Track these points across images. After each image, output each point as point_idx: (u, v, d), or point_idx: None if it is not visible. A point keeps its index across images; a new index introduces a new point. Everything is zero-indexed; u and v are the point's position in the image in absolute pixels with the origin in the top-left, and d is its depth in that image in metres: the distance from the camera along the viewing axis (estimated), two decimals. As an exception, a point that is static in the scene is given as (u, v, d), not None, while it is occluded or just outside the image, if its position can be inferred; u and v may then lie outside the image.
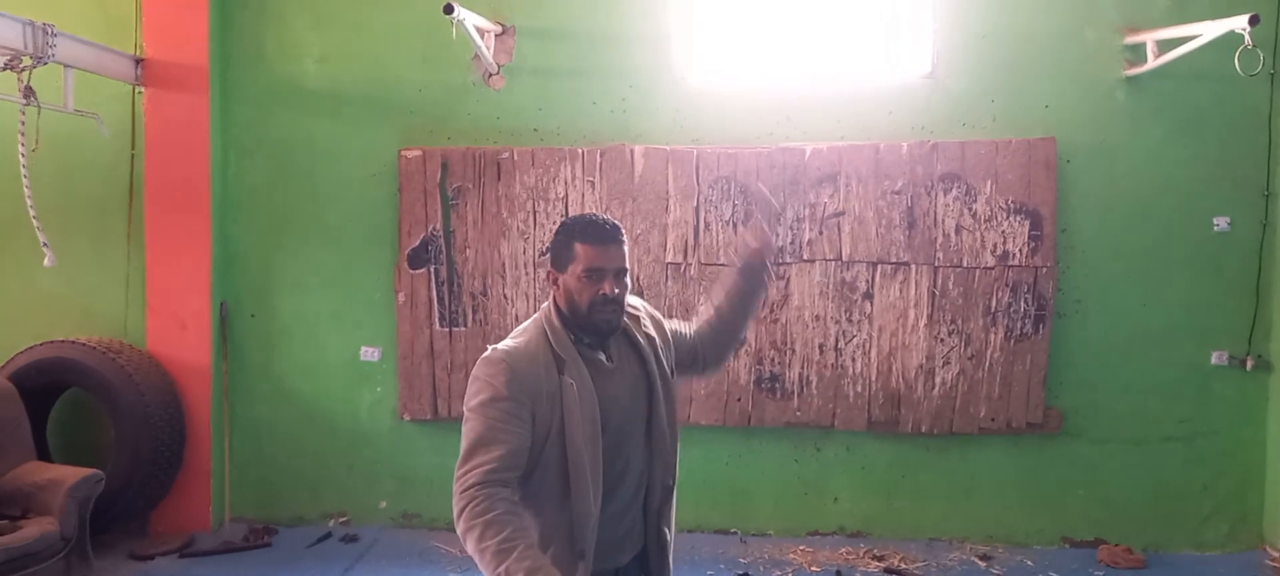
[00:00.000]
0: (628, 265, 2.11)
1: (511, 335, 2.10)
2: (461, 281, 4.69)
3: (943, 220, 4.48)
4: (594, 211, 2.19)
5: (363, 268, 4.82)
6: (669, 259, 4.61)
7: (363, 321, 4.85)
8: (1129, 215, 4.49)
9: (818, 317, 4.57)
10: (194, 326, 4.76)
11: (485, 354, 2.03)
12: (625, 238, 2.11)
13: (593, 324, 2.06)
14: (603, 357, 2.10)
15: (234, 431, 4.91)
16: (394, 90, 4.75)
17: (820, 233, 4.53)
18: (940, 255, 4.49)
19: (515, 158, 4.63)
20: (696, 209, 4.58)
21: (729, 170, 4.56)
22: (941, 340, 4.53)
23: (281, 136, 4.83)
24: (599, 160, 4.61)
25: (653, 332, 2.24)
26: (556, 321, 2.07)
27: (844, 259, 4.53)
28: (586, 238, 2.06)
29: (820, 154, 4.52)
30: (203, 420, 4.78)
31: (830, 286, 4.55)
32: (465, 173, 4.65)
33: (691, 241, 4.59)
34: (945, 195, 4.48)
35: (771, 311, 4.58)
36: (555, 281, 2.11)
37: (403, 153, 4.67)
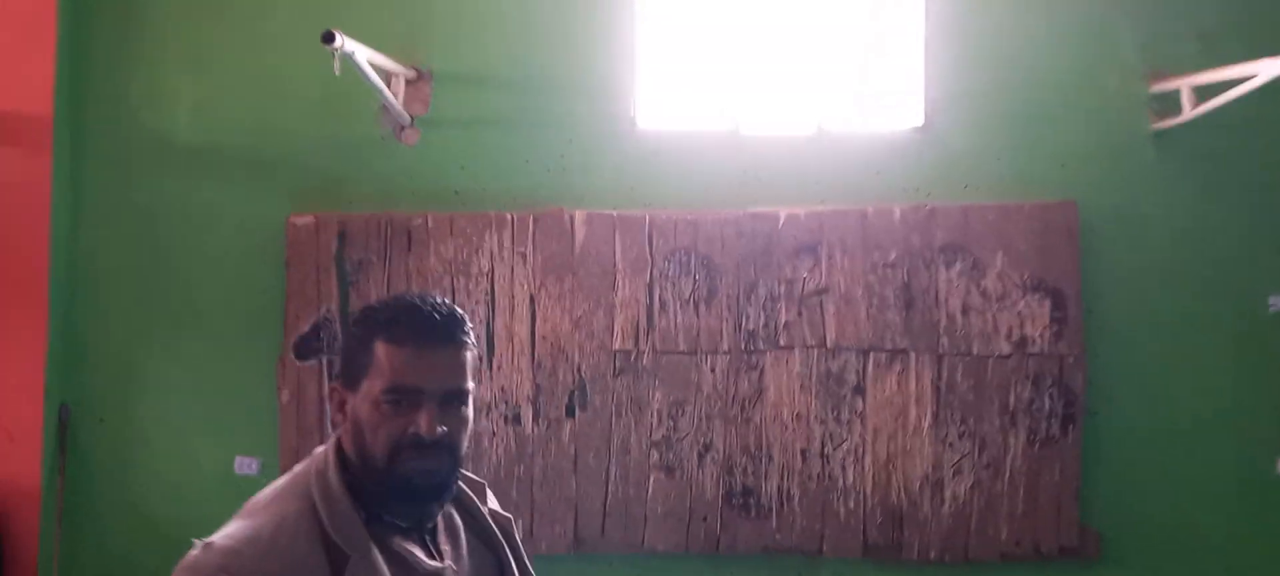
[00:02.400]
0: (469, 385, 1.27)
1: (245, 509, 1.25)
2: (362, 376, 3.80)
3: (946, 299, 3.71)
4: (433, 299, 1.31)
5: (241, 360, 3.92)
6: (617, 345, 3.77)
7: (240, 427, 3.92)
8: (1167, 292, 3.76)
9: (799, 417, 3.74)
10: (22, 436, 3.80)
11: (191, 553, 1.19)
12: (469, 335, 1.28)
13: (398, 485, 1.21)
14: (418, 549, 1.25)
15: (73, 568, 3.91)
16: (284, 145, 3.94)
17: (799, 314, 3.73)
18: (945, 341, 3.70)
19: (430, 225, 3.81)
20: (650, 285, 3.77)
21: (688, 240, 3.77)
22: (951, 445, 3.71)
23: (145, 202, 3.97)
24: (532, 228, 3.81)
25: (505, 515, 1.41)
26: (335, 482, 1.23)
27: (829, 345, 3.73)
28: (395, 333, 1.24)
29: (797, 220, 3.76)
30: (29, 556, 3.77)
31: (813, 378, 3.73)
32: (368, 243, 3.81)
33: (644, 324, 3.77)
34: (948, 269, 3.72)
35: (742, 409, 3.74)
36: (341, 406, 1.27)
37: (291, 219, 3.83)
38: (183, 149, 3.96)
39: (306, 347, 3.81)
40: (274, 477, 3.88)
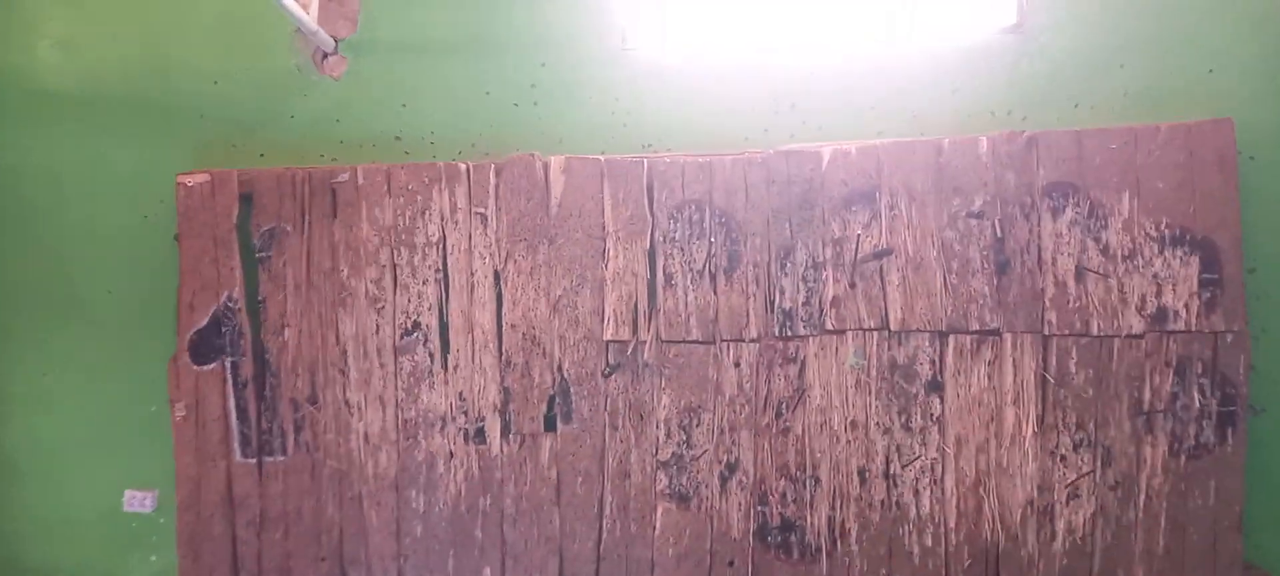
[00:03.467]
0: None
1: None
2: (277, 381, 2.91)
3: (1054, 260, 2.73)
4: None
5: (128, 365, 3.04)
6: (609, 334, 2.84)
7: (128, 450, 3.05)
8: (1361, 242, 2.74)
9: (854, 425, 2.78)
10: None
11: None
12: None
13: None
14: None
15: (-73, 632, 3.07)
16: (175, 86, 3.05)
17: (852, 286, 2.77)
18: (1053, 317, 2.72)
19: (362, 182, 2.90)
20: (651, 253, 2.83)
21: (701, 190, 2.82)
22: (1063, 458, 2.73)
23: (5, 163, 3.11)
24: (494, 182, 2.88)
25: None
26: None
27: (893, 327, 2.76)
28: None
29: (846, 160, 2.79)
30: None
31: (873, 373, 2.77)
32: (282, 207, 2.91)
33: (644, 305, 2.83)
34: (1056, 219, 2.73)
35: (778, 416, 2.79)
36: None
37: (181, 180, 2.93)
38: (49, 95, 3.09)
39: (205, 346, 2.92)
40: (171, 517, 3.04)
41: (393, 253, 2.90)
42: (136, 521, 3.06)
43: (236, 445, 2.92)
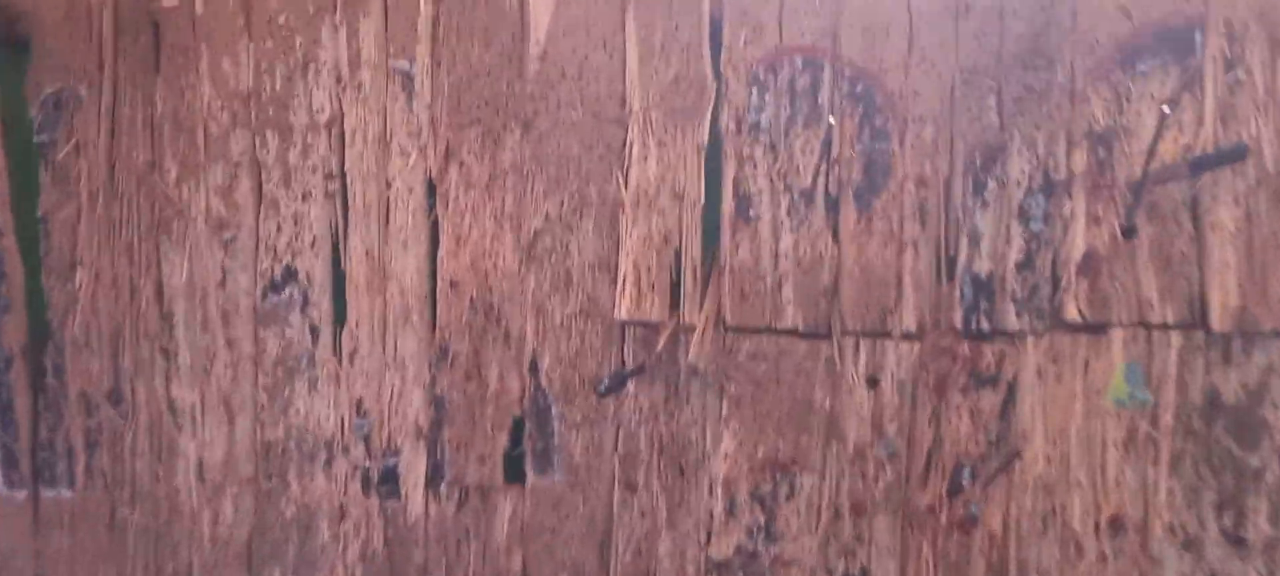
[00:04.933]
0: None
1: None
2: (62, 360, 1.67)
3: None
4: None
5: None
6: (626, 311, 1.46)
7: None
8: None
9: (1120, 527, 1.32)
10: None
11: None
12: None
13: None
14: None
15: None
16: None
17: (1129, 234, 1.31)
18: None
19: (202, 10, 1.62)
20: (713, 152, 1.45)
21: (817, 26, 1.41)
22: None
23: None
24: (429, 10, 1.56)
25: None
26: None
27: (1216, 325, 1.29)
28: None
29: (1126, -26, 1.33)
30: None
31: (1169, 419, 1.30)
32: (74, 55, 1.66)
33: (693, 255, 1.45)
34: None
35: (955, 491, 1.36)
36: None
37: (-76, 8, 1.74)
38: None
39: (-51, 292, 1.72)
40: None
41: (254, 140, 1.62)
42: None
43: (-11, 466, 1.71)
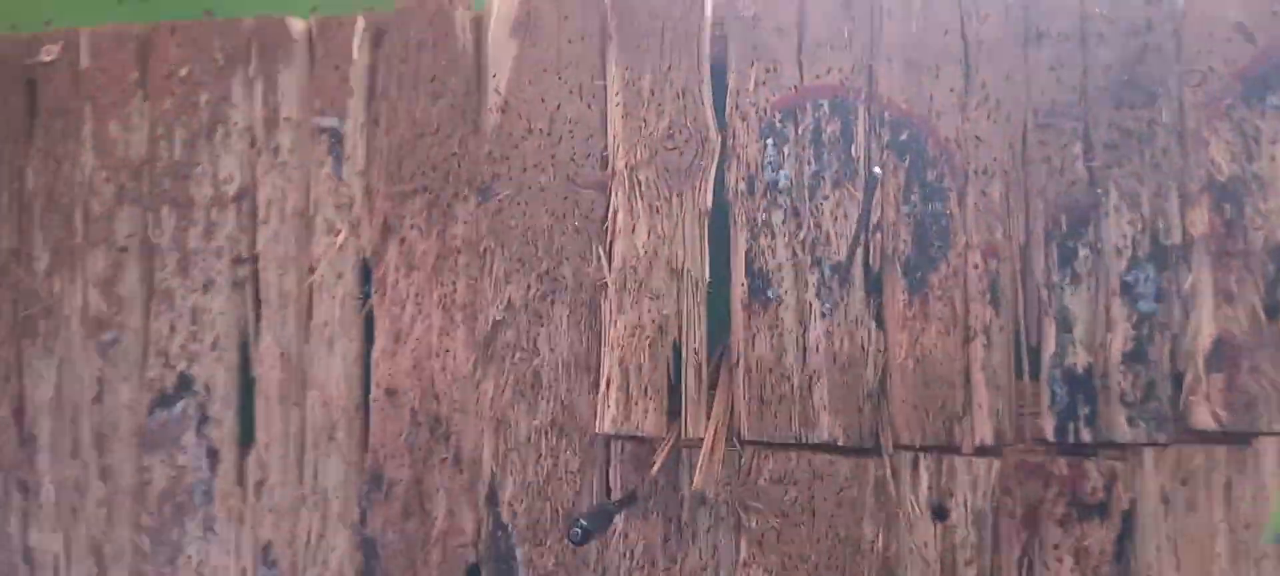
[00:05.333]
0: None
1: None
2: (-110, 499, 1.32)
3: None
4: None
5: None
6: (610, 422, 1.12)
7: None
8: None
9: None
10: None
11: None
12: None
13: None
14: None
15: None
16: None
17: (1276, 316, 0.99)
18: None
19: (89, 62, 1.32)
20: (720, 217, 1.14)
21: (847, 60, 1.12)
22: None
23: None
24: (364, 59, 1.26)
25: None
26: None
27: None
28: None
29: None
30: None
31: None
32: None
33: (697, 348, 1.12)
34: None
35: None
36: None
37: None
38: None
39: None
40: None
41: (146, 219, 1.30)
42: None
43: None
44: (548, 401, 1.18)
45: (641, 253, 1.14)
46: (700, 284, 1.13)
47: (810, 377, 1.10)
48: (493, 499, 1.19)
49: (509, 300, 1.19)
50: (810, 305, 1.10)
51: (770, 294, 1.11)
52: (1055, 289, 1.05)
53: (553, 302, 1.18)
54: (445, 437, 1.21)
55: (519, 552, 1.18)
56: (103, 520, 1.28)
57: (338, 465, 1.24)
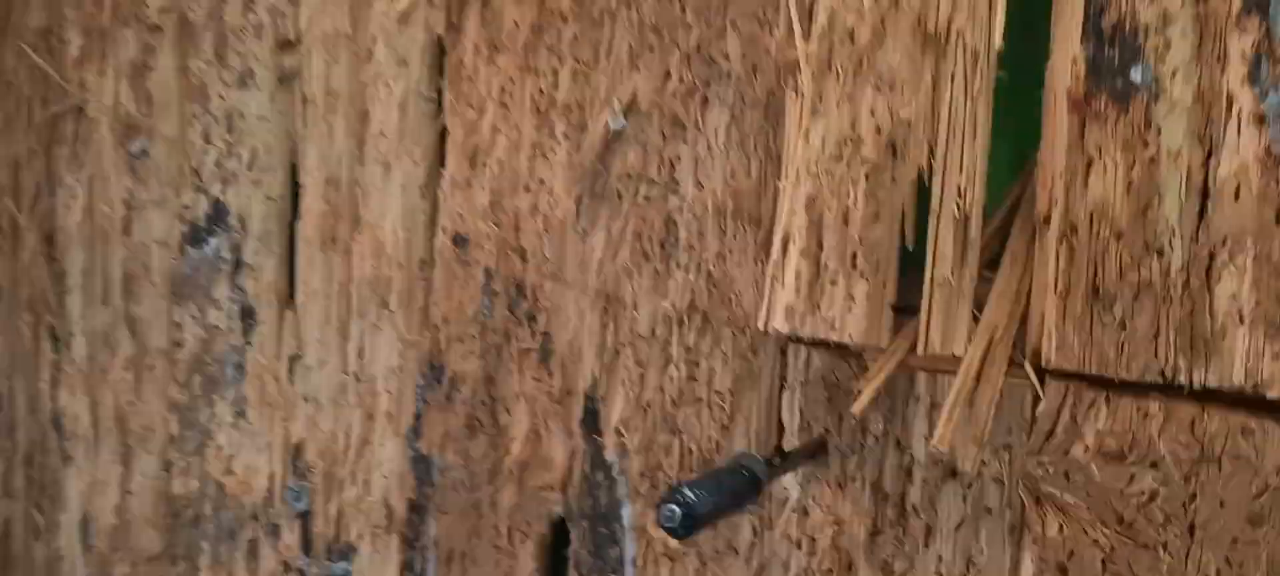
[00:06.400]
0: None
1: None
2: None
3: None
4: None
5: None
6: (782, 321, 0.61)
7: None
8: None
9: None
10: None
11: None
12: None
13: None
14: None
15: None
16: None
17: None
18: None
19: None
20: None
21: None
22: None
23: None
24: None
25: None
26: None
27: None
28: None
29: None
30: None
31: None
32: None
33: (958, 178, 0.58)
34: None
35: None
36: None
37: None
38: None
39: None
40: None
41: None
42: None
43: None
44: (687, 271, 0.70)
45: (867, 5, 0.60)
46: (981, 61, 0.57)
47: (1209, 258, 0.52)
48: (592, 420, 0.74)
49: (634, 97, 0.71)
50: (1229, 109, 0.52)
51: (1137, 77, 0.53)
52: None
53: (705, 102, 0.68)
54: (531, 317, 0.77)
55: (627, 511, 0.72)
56: (129, 388, 0.99)
57: (390, 343, 0.84)
